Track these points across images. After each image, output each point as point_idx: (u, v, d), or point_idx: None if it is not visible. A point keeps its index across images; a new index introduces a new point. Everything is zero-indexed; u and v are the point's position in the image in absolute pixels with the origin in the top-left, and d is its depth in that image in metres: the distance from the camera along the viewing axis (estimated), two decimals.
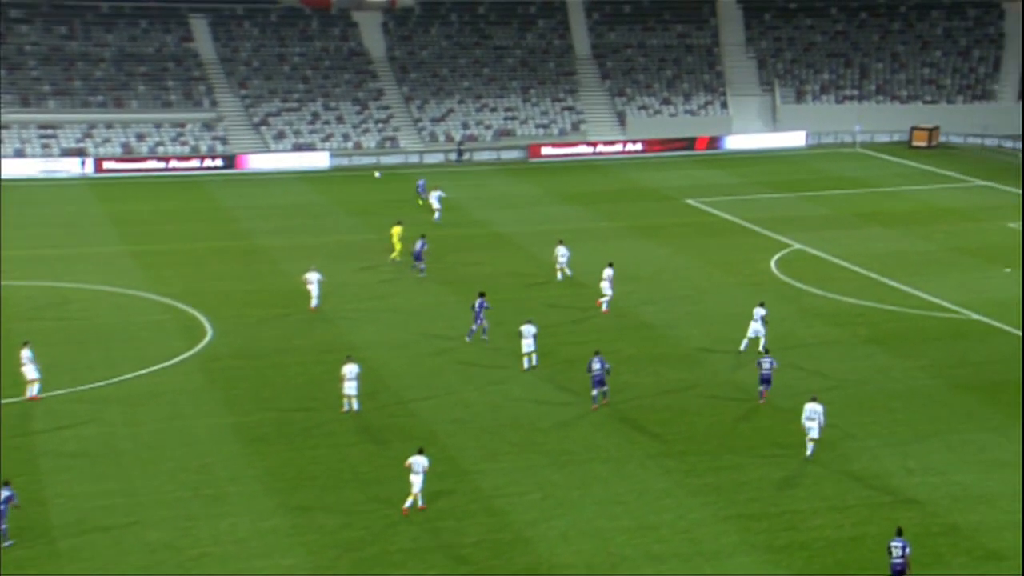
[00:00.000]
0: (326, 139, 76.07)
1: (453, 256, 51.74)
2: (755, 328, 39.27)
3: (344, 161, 73.91)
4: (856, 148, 79.08)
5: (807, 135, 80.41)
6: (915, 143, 79.46)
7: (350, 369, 34.23)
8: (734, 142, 79.49)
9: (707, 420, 34.04)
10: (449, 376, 37.42)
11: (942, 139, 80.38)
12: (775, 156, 76.87)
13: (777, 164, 74.03)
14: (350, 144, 76.16)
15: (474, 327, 40.13)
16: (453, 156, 75.48)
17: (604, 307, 43.32)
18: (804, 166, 73.72)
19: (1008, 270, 49.12)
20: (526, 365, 37.49)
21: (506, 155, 76.15)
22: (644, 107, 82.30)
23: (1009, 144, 77.98)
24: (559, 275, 47.41)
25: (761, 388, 35.46)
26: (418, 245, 48.51)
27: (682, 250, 53.00)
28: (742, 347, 39.13)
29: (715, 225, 58.09)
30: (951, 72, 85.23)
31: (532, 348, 37.44)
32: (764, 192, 65.64)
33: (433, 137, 78.21)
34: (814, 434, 31.46)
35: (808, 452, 31.51)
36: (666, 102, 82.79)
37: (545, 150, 76.42)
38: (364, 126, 77.66)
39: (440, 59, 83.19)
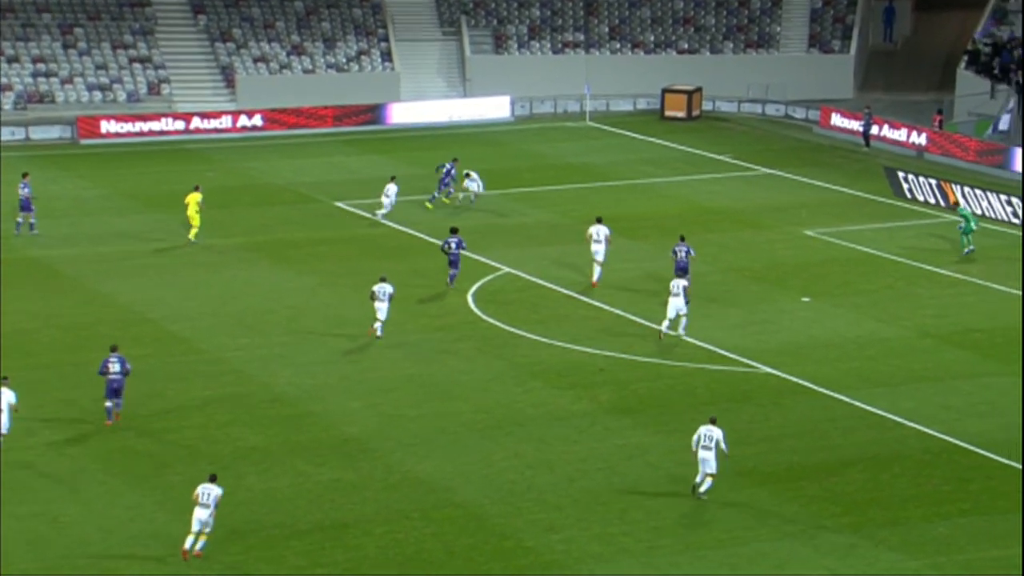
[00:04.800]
0: None
1: None
2: (676, 305, 46.37)
3: None
4: (585, 121, 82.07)
5: (512, 101, 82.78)
6: (669, 112, 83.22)
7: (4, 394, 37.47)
8: (404, 112, 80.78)
9: (379, 540, 34.31)
10: None
11: (707, 106, 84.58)
12: (466, 134, 78.63)
13: (470, 146, 75.73)
14: None
15: (454, 272, 50.76)
16: None
17: (595, 278, 51.92)
18: (510, 148, 75.80)
19: (806, 299, 52.20)
20: (379, 332, 46.17)
21: (40, 133, 74.37)
22: (263, 59, 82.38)
23: (800, 113, 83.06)
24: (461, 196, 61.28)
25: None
26: (23, 191, 57.13)
27: (332, 279, 53.34)
28: (663, 328, 46.63)
29: (380, 240, 58.77)
30: (714, 7, 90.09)
31: (385, 315, 46.14)
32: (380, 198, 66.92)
33: None
34: (710, 467, 35.76)
35: (703, 488, 35.83)
36: (297, 51, 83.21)
37: (106, 126, 75.20)
38: None
39: None
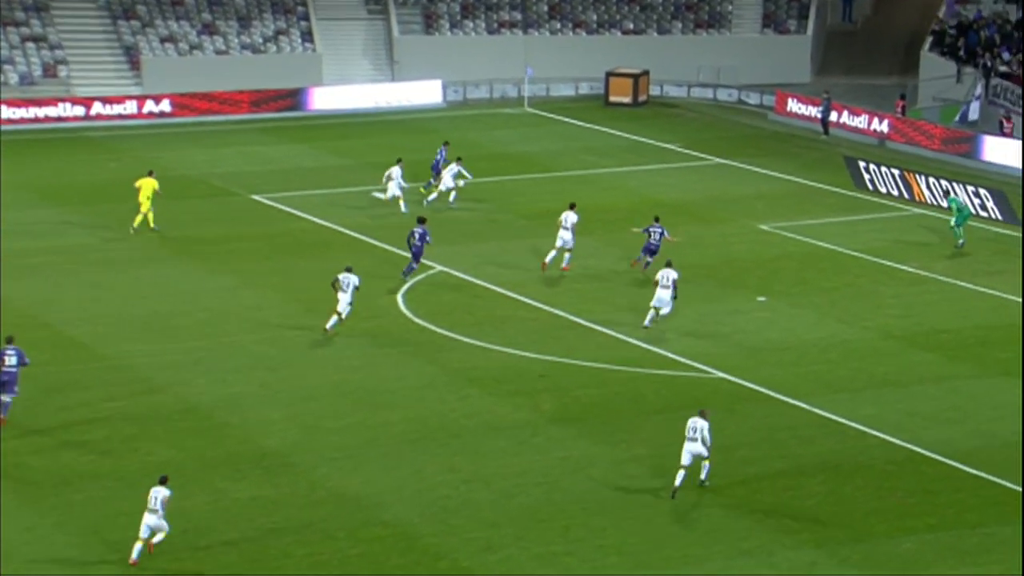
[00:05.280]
0: None
1: None
2: (660, 297, 47.66)
3: None
4: (523, 107, 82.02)
5: (444, 86, 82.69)
6: (614, 97, 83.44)
7: None
8: (326, 98, 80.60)
9: (301, 563, 34.07)
10: None
11: (654, 91, 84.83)
12: (395, 120, 78.57)
13: (399, 133, 75.70)
14: None
15: (414, 265, 52.03)
16: None
17: (564, 263, 53.63)
18: (442, 137, 75.10)
19: (762, 298, 52.35)
20: (330, 326, 47.02)
21: None
22: (171, 39, 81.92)
23: (754, 98, 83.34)
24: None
25: (645, 258, 52.72)
26: None
27: (253, 279, 53.19)
28: (646, 322, 47.88)
29: (304, 235, 58.68)
30: None
31: (345, 308, 46.99)
32: (381, 181, 66.86)
33: None
34: (687, 460, 36.94)
35: (702, 475, 37.40)
36: (208, 31, 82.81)
37: None
38: None
39: None
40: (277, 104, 78.85)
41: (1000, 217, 60.85)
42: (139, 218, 56.94)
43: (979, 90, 76.29)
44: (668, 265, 48.37)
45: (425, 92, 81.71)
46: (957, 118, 75.32)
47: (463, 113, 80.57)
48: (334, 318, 47.18)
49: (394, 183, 60.46)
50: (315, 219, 60.36)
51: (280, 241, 57.60)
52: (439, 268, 54.37)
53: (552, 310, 50.49)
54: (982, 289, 53.34)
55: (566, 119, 79.57)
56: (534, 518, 36.21)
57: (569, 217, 53.36)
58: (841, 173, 67.70)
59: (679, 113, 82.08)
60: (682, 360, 46.35)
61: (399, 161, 61.70)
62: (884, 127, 75.30)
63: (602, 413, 42.44)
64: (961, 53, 79.44)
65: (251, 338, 47.35)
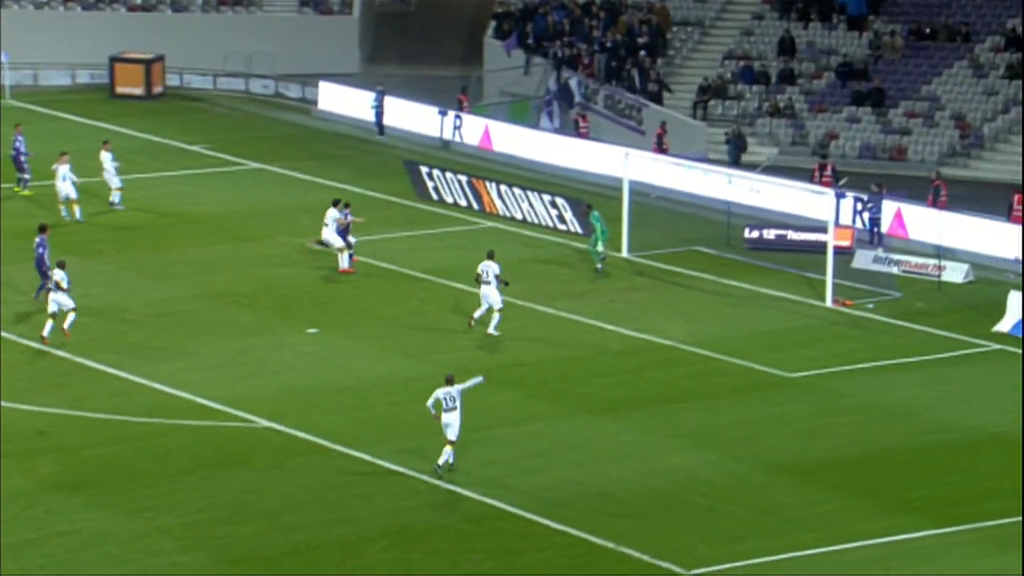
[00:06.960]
0: None
1: None
2: (487, 294, 51.27)
3: None
4: (5, 98, 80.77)
5: None
6: (121, 88, 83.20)
7: None
8: None
9: None
10: None
11: (172, 81, 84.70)
12: None
13: None
14: None
15: (44, 283, 51.62)
16: None
17: (345, 263, 57.24)
18: None
19: (313, 330, 52.42)
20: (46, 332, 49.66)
21: None
22: None
23: (295, 91, 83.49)
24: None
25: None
26: None
27: None
28: (492, 328, 51.57)
29: None
30: None
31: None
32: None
33: None
34: (453, 434, 41.52)
35: (450, 460, 41.62)
36: None
37: None
38: None
39: None
40: None
41: (580, 231, 61.79)
42: None
43: (553, 85, 77.93)
44: (490, 257, 51.69)
45: None
46: (541, 123, 76.47)
47: None
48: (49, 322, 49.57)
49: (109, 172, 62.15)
50: None
51: None
52: None
53: (53, 351, 49.69)
54: (563, 314, 54.32)
55: (62, 114, 78.68)
56: None
57: (330, 213, 57.10)
58: (401, 180, 68.28)
59: (204, 108, 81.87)
60: (217, 407, 46.04)
61: (105, 142, 63.23)
62: (447, 126, 76.14)
63: (118, 476, 41.72)
64: (529, 41, 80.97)
65: None
